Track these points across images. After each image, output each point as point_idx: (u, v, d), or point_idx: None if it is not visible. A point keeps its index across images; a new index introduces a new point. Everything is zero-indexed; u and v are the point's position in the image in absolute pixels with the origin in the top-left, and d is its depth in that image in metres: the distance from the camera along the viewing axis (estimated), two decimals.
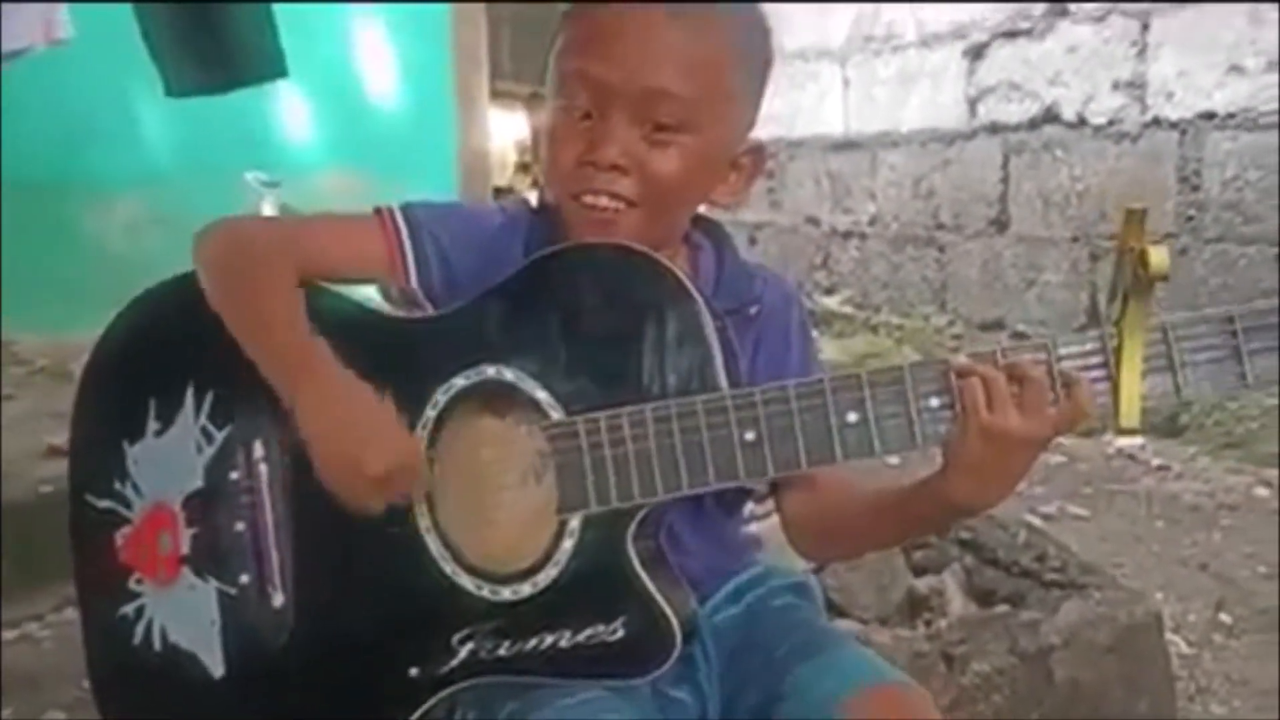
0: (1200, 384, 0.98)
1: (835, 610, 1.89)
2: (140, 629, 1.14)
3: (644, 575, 1.03)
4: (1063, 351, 0.99)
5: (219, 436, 1.12)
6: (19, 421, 3.17)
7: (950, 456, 1.01)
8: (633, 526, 1.03)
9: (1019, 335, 4.42)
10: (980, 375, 0.98)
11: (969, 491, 1.02)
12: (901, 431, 1.00)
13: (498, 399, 1.05)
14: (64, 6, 2.69)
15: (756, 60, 1.16)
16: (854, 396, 1.00)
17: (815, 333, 5.03)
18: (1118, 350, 0.97)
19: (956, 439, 0.99)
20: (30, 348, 4.10)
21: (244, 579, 1.12)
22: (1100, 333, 0.99)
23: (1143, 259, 0.94)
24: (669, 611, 1.02)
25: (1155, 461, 3.60)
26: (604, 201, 1.09)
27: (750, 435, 1.00)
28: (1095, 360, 0.99)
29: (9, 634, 2.35)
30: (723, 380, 1.02)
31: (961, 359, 1.00)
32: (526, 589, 1.04)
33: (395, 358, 1.08)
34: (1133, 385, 0.97)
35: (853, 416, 1.00)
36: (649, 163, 1.08)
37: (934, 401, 0.99)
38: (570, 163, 1.09)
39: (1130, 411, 0.97)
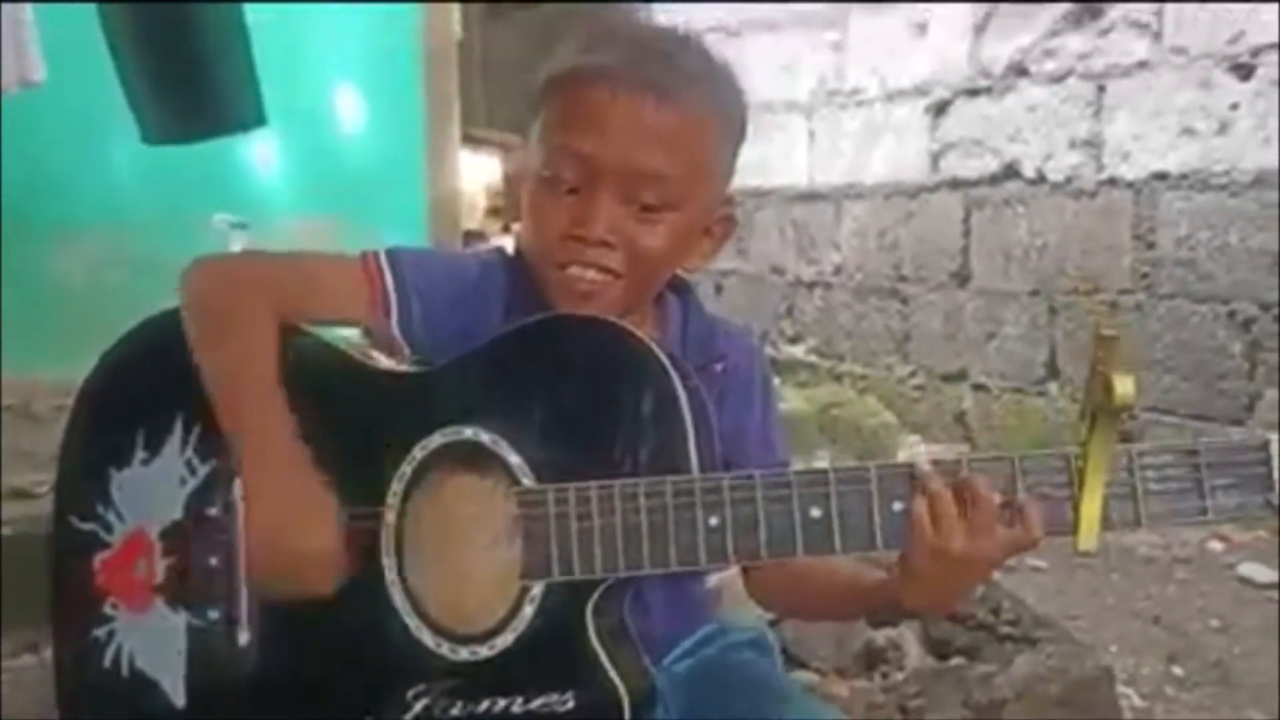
0: (1160, 513, 0.99)
1: (793, 661, 1.91)
2: (110, 653, 1.15)
3: (599, 648, 1.03)
4: (1027, 466, 0.99)
5: (202, 471, 1.13)
6: None
7: (901, 563, 1.03)
8: (594, 597, 1.04)
9: (979, 387, 4.48)
10: (929, 494, 0.99)
11: (917, 597, 1.05)
12: (862, 532, 1.00)
13: (474, 460, 1.06)
14: (38, 49, 2.71)
15: (737, 131, 1.19)
16: (819, 492, 1.01)
17: (778, 380, 5.07)
18: (1081, 472, 0.98)
19: (907, 549, 1.01)
20: None
21: (213, 614, 1.12)
22: (1065, 455, 0.99)
23: (1109, 387, 0.95)
24: (620, 687, 1.03)
25: None
26: (591, 275, 1.11)
27: (714, 521, 1.01)
28: (1060, 481, 0.99)
29: None
30: (694, 462, 1.03)
31: (924, 467, 1.00)
32: (484, 651, 1.04)
33: (377, 410, 1.10)
34: (1093, 509, 0.98)
35: (816, 512, 1.01)
36: (636, 239, 1.11)
37: (896, 506, 1.00)
38: (555, 235, 1.11)
39: (1088, 535, 0.98)
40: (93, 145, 4.00)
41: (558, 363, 1.06)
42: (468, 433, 1.06)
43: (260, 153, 4.48)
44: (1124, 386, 0.94)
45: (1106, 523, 0.98)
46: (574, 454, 1.04)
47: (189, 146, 2.80)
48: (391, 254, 1.16)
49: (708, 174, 1.15)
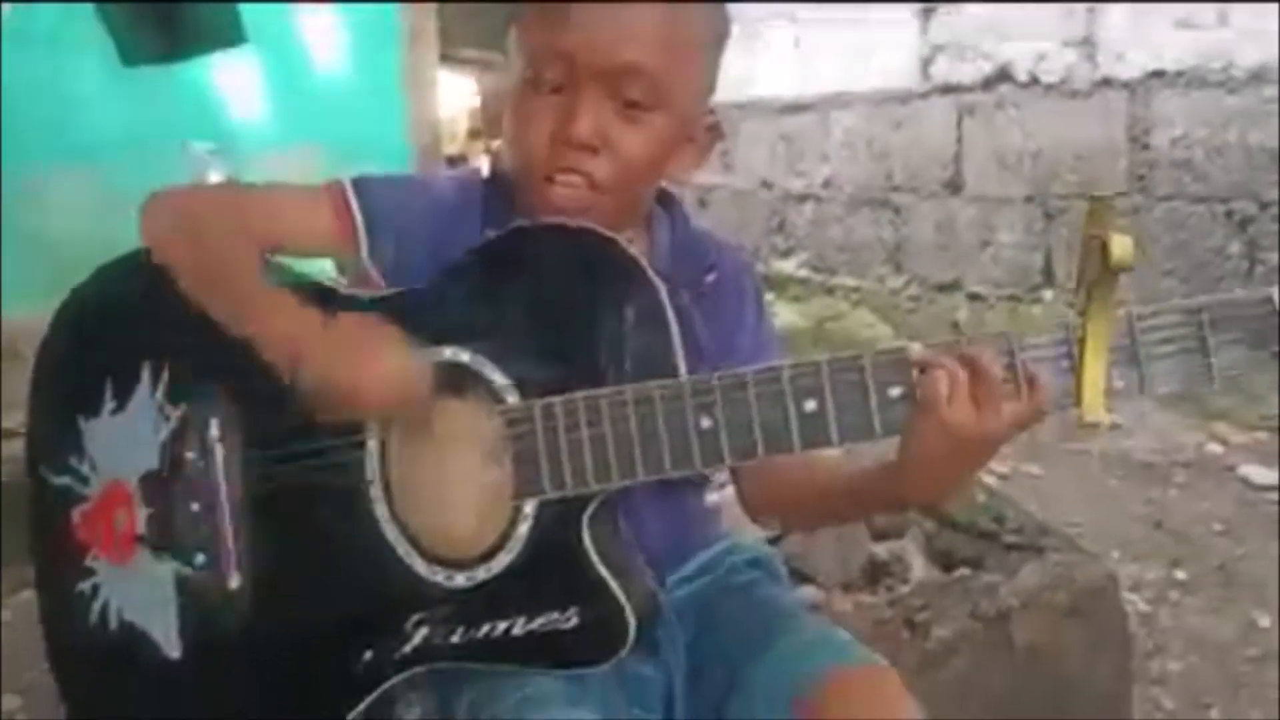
0: (1166, 375, 0.96)
1: (797, 576, 1.89)
2: (96, 607, 1.13)
3: (599, 562, 1.01)
4: (1027, 342, 0.97)
5: (175, 415, 1.10)
6: None
7: (905, 448, 1.00)
8: (589, 512, 1.01)
9: (975, 296, 4.44)
10: (943, 369, 0.96)
11: (920, 484, 1.02)
12: (860, 421, 0.98)
13: (456, 381, 1.03)
14: None
15: (720, 33, 1.15)
16: (812, 384, 0.97)
17: (771, 296, 5.04)
18: (1081, 342, 0.95)
19: (912, 432, 0.98)
20: None
21: (199, 559, 1.10)
22: (1065, 325, 0.97)
23: (1104, 250, 0.92)
24: (624, 599, 1.01)
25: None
26: (574, 180, 1.07)
27: (706, 423, 0.98)
28: (1060, 352, 0.97)
29: None
30: (681, 367, 1.00)
31: (920, 350, 0.98)
32: (481, 574, 1.02)
33: None
34: (1096, 378, 0.95)
35: (810, 405, 0.97)
36: (619, 141, 1.07)
37: (893, 391, 0.97)
38: (541, 140, 1.07)
39: (1094, 404, 0.95)
40: (65, 78, 3.90)
41: (533, 275, 1.03)
42: (447, 354, 1.03)
43: (236, 82, 4.39)
44: (1121, 245, 0.91)
45: (1111, 391, 0.96)
46: (558, 367, 1.01)
47: (163, 79, 2.74)
48: (358, 183, 1.12)
49: (690, 73, 1.11)
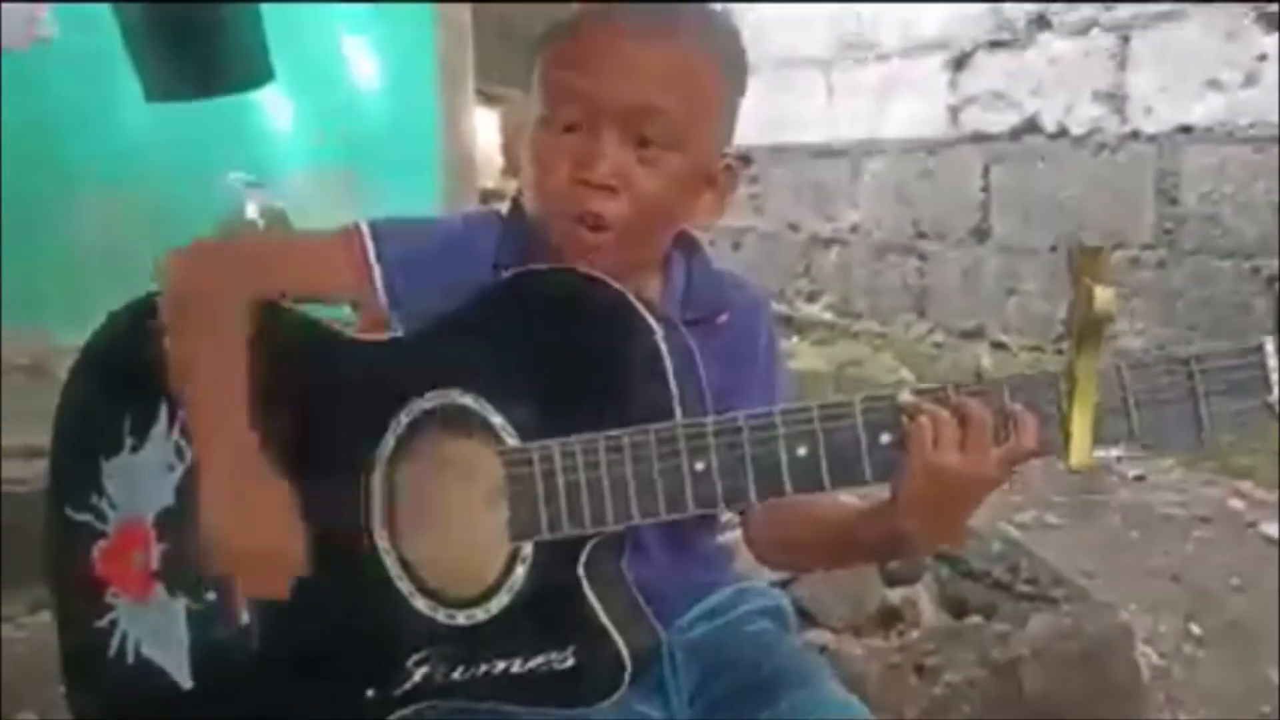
0: (1154, 424, 0.96)
1: (807, 620, 1.90)
2: (115, 641, 1.15)
3: (595, 603, 1.02)
4: (1015, 386, 0.98)
5: (189, 454, 1.12)
6: None
7: (897, 493, 1.01)
8: (585, 553, 1.02)
9: (998, 345, 4.44)
10: (928, 414, 0.97)
11: (916, 529, 1.03)
12: (850, 467, 0.99)
13: (459, 423, 1.05)
14: (48, 5, 2.69)
15: (737, 74, 1.16)
16: (804, 430, 0.99)
17: (795, 339, 5.05)
18: (1070, 388, 0.97)
19: (903, 476, 0.99)
20: (9, 345, 4.07)
21: (210, 596, 1.12)
22: (1052, 371, 0.98)
23: (1090, 299, 0.94)
24: (619, 640, 1.02)
25: (1131, 472, 3.63)
26: (593, 221, 1.08)
27: (700, 466, 0.99)
28: (1049, 397, 0.98)
29: None
30: (678, 411, 1.01)
31: (908, 396, 0.99)
32: (479, 614, 1.04)
33: (358, 379, 1.09)
34: (1083, 423, 0.96)
35: (802, 450, 0.99)
36: (637, 182, 1.08)
37: (884, 438, 0.99)
38: (560, 180, 1.09)
39: (1080, 449, 0.96)
40: (105, 102, 3.97)
41: (532, 318, 1.04)
42: (450, 396, 1.05)
43: (273, 109, 4.45)
44: (1103, 296, 0.93)
45: (1099, 437, 0.96)
46: (556, 411, 1.02)
47: (202, 105, 2.77)
48: (373, 225, 1.13)
49: (708, 114, 1.12)
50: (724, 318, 1.19)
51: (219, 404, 1.07)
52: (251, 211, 3.80)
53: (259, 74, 2.59)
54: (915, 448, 0.97)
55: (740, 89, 1.17)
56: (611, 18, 1.10)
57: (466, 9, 4.89)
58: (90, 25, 2.65)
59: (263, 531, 1.05)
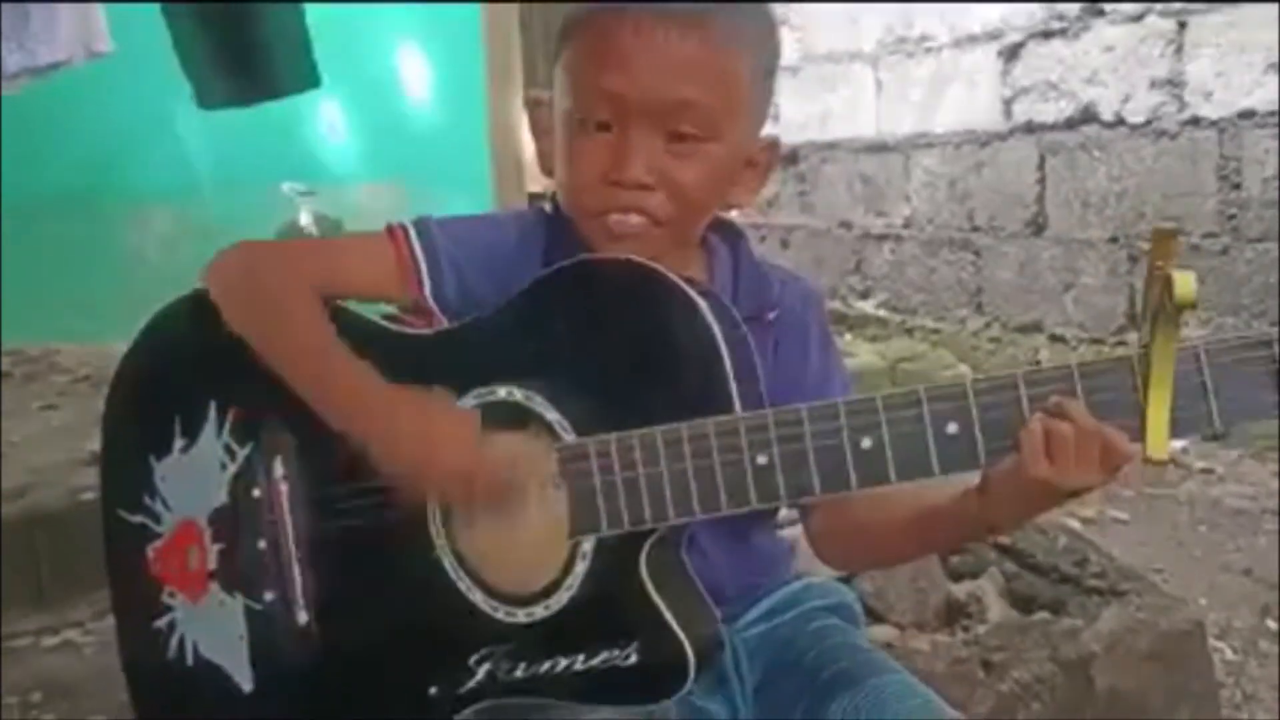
0: (1236, 411, 0.92)
1: (872, 616, 1.88)
2: (174, 643, 1.16)
3: (658, 599, 1.01)
4: (1086, 372, 0.94)
5: (241, 453, 1.13)
6: (60, 430, 3.20)
7: (992, 485, 0.98)
8: (646, 549, 1.01)
9: (1056, 338, 4.38)
10: (1047, 430, 0.93)
11: (1005, 518, 1.02)
12: (918, 459, 0.96)
13: (513, 418, 1.04)
14: (104, 20, 2.72)
15: (768, 58, 1.14)
16: (869, 421, 0.96)
17: (849, 336, 5.01)
18: (1144, 377, 0.92)
19: (1004, 475, 0.96)
20: (72, 357, 4.15)
21: (269, 596, 1.12)
22: (1126, 357, 0.94)
23: (1168, 285, 0.89)
24: (683, 636, 1.00)
25: (1198, 465, 3.55)
26: (632, 219, 1.07)
27: (763, 459, 0.97)
28: (1124, 386, 0.93)
29: (50, 641, 2.37)
30: (736, 403, 0.99)
31: (979, 381, 0.95)
32: (540, 611, 1.03)
33: (407, 375, 1.06)
34: (1160, 415, 0.92)
35: (867, 442, 0.96)
36: (674, 176, 1.07)
37: (950, 428, 0.95)
38: (593, 181, 1.07)
39: (1157, 442, 0.92)
40: (162, 116, 4.03)
41: (586, 311, 1.03)
42: (502, 392, 1.04)
43: (325, 119, 4.49)
44: (1185, 282, 0.88)
45: (1176, 427, 0.92)
46: (612, 404, 1.01)
47: (256, 117, 2.81)
48: (419, 223, 1.13)
49: (741, 102, 1.10)
50: (773, 314, 1.17)
51: (347, 374, 1.05)
52: (305, 219, 3.84)
53: (305, 79, 2.63)
54: (1029, 457, 0.93)
55: (773, 71, 1.15)
56: (632, 10, 1.06)
57: (514, 12, 4.90)
58: (145, 39, 2.69)
59: (459, 451, 1.02)
